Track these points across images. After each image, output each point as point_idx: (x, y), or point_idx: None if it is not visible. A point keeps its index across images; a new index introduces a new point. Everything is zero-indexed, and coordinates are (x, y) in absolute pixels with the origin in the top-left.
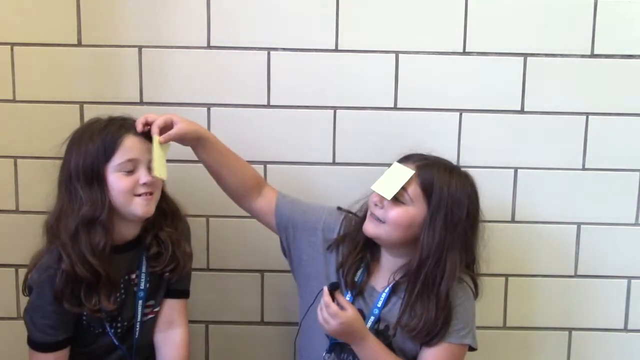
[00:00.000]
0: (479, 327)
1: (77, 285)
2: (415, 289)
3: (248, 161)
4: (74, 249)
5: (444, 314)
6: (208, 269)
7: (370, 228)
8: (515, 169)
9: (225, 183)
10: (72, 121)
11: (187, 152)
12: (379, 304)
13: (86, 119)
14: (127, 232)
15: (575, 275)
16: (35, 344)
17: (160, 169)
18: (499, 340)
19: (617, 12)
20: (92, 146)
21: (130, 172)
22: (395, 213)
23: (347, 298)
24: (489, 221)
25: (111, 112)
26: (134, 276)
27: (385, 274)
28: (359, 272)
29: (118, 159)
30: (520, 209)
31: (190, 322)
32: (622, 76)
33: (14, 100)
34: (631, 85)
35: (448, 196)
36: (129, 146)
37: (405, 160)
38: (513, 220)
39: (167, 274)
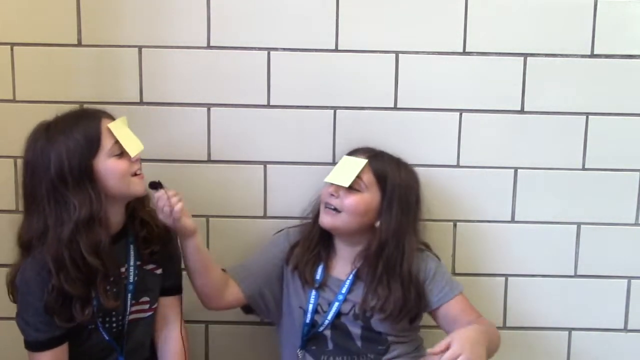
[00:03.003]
0: None
1: (67, 300)
2: (376, 272)
3: (248, 161)
4: (70, 256)
5: (415, 290)
6: None
7: (327, 220)
8: (515, 169)
9: (201, 282)
10: None
11: (186, 152)
12: (343, 290)
13: None
14: (116, 220)
15: (575, 275)
16: (31, 345)
17: (136, 142)
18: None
19: (617, 12)
20: (73, 143)
21: (120, 155)
22: (352, 200)
23: (313, 295)
24: (489, 221)
25: (111, 112)
26: (123, 270)
27: (345, 263)
28: (318, 269)
29: (107, 144)
30: (520, 209)
31: (190, 322)
32: (622, 76)
33: (14, 100)
34: (631, 85)
35: (400, 182)
36: (108, 129)
37: (353, 153)
38: (513, 220)
39: (158, 270)
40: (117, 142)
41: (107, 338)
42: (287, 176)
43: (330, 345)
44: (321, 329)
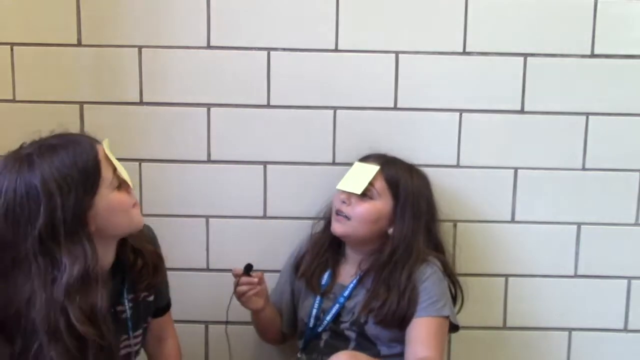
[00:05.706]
0: (479, 328)
1: None
2: (381, 276)
3: (248, 161)
4: (66, 323)
5: (408, 294)
6: (208, 269)
7: (338, 227)
8: (515, 169)
9: (264, 336)
10: (72, 121)
11: (186, 152)
12: (345, 293)
13: (86, 119)
14: (107, 260)
15: (575, 275)
16: None
17: (122, 167)
18: (499, 340)
19: (617, 12)
20: (67, 185)
21: (118, 187)
22: (363, 208)
23: (317, 300)
24: (489, 221)
25: (111, 112)
26: (119, 308)
27: (352, 267)
28: (325, 276)
29: (107, 176)
30: (520, 209)
31: (190, 322)
32: (622, 76)
33: (14, 100)
34: (631, 85)
35: (412, 188)
36: (105, 156)
37: (365, 159)
38: (513, 220)
39: (150, 297)
40: (115, 170)
41: None
42: (287, 176)
43: (323, 345)
44: (320, 329)
